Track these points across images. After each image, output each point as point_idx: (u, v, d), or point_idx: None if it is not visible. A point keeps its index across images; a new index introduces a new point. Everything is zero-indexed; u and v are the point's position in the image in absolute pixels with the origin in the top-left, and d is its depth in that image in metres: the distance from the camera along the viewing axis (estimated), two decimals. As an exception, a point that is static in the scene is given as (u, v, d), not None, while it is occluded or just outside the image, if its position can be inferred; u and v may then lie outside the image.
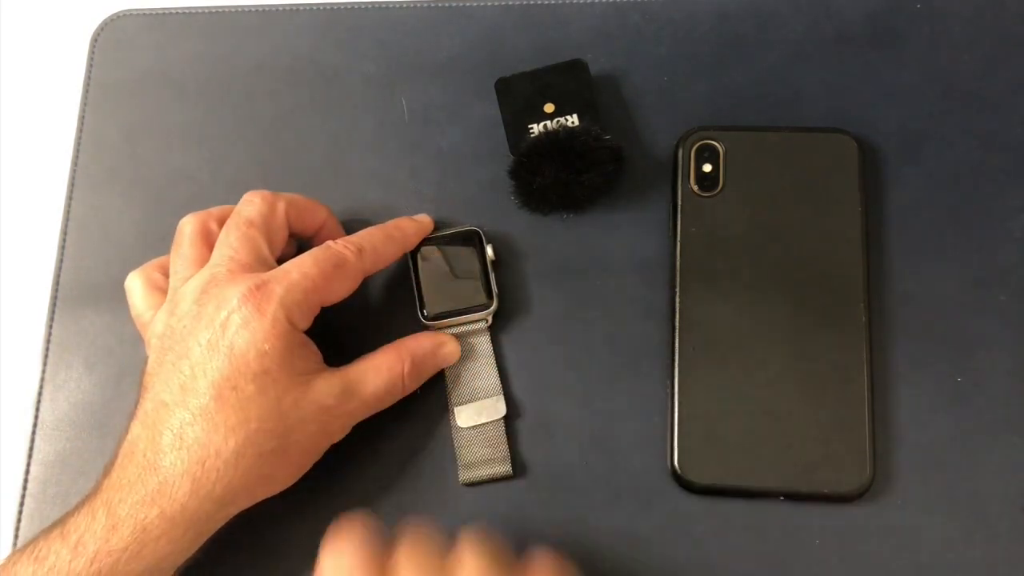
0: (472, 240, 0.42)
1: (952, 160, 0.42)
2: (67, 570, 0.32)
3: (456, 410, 0.40)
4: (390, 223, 0.41)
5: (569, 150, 0.40)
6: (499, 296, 0.41)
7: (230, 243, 0.37)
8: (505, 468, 0.39)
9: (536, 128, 0.42)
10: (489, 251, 0.41)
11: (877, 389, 0.39)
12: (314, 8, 0.48)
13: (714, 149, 0.42)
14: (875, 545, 0.38)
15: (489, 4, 0.47)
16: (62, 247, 0.45)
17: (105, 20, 0.49)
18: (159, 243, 0.41)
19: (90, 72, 0.48)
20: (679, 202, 0.41)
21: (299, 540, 0.39)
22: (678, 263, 0.40)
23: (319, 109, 0.46)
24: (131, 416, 0.35)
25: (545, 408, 0.40)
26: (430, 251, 0.42)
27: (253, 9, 0.48)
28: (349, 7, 0.48)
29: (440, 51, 0.46)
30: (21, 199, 0.48)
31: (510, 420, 0.40)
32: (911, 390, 0.39)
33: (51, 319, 0.44)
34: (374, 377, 0.37)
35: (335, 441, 0.37)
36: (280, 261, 0.37)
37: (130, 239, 0.45)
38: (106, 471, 0.34)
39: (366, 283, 0.39)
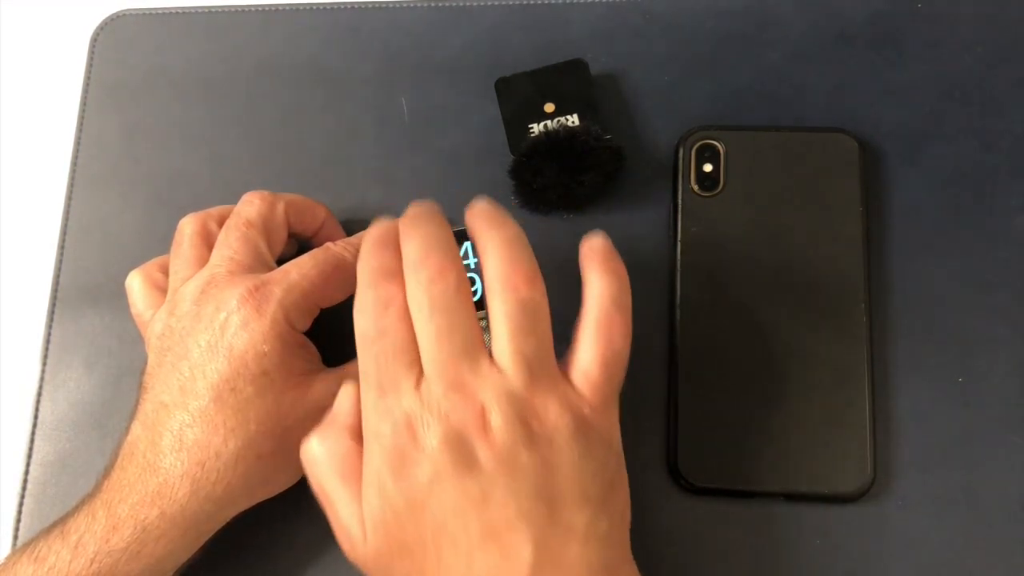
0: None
1: (952, 160, 0.42)
2: (67, 570, 0.32)
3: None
4: None
5: (569, 150, 0.40)
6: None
7: (229, 244, 0.37)
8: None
9: (536, 128, 0.42)
10: None
11: (877, 389, 0.39)
12: (314, 8, 0.48)
13: (715, 149, 0.42)
14: (875, 545, 0.37)
15: (489, 4, 0.47)
16: (62, 247, 0.45)
17: (105, 20, 0.49)
18: (159, 243, 0.41)
19: (90, 72, 0.48)
20: (679, 202, 0.41)
21: (299, 540, 0.39)
22: (678, 263, 0.40)
23: (319, 109, 0.46)
24: (131, 416, 0.35)
25: (545, 408, 0.40)
26: None
27: (253, 9, 0.48)
28: (349, 7, 0.48)
29: (440, 51, 0.46)
30: (21, 199, 0.48)
31: (510, 420, 0.40)
32: (912, 390, 0.39)
33: (51, 319, 0.44)
34: None
35: (335, 440, 0.37)
36: (281, 261, 0.37)
37: (130, 239, 0.45)
38: (106, 472, 0.34)
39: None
